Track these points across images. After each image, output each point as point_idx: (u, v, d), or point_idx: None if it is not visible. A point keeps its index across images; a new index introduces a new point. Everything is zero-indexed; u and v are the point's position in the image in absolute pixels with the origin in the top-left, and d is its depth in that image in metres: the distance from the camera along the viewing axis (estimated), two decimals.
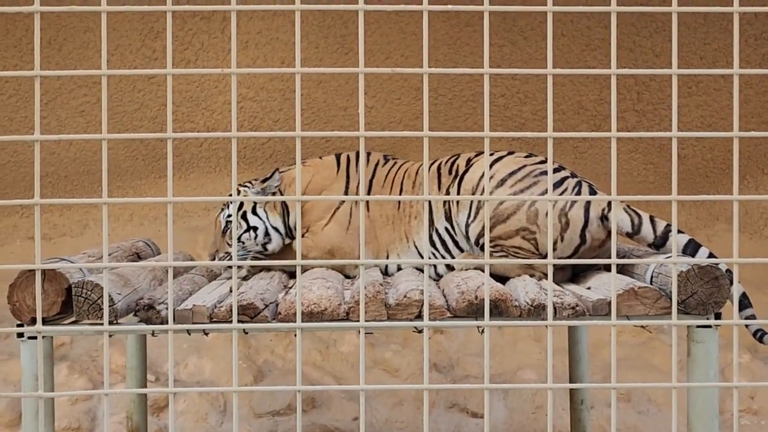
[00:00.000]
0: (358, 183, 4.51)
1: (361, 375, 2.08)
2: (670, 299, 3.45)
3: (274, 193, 4.48)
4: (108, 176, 6.86)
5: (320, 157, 4.66)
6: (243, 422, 5.65)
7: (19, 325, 3.40)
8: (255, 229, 4.46)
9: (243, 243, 4.44)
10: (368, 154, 4.61)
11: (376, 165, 4.54)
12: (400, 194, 4.39)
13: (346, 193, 4.48)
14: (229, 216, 4.44)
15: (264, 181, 4.49)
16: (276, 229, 4.50)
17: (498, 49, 7.19)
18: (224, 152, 7.27)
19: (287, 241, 4.56)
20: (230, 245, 4.42)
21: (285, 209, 4.51)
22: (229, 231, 4.44)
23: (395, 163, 4.55)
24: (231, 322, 3.33)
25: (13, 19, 7.08)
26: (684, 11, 2.00)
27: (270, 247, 4.49)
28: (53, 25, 7.10)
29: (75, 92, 7.17)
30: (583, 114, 7.26)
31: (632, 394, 5.81)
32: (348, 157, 4.61)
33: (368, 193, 4.47)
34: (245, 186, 4.54)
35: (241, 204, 4.46)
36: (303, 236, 4.44)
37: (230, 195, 4.61)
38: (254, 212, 4.47)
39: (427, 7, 2.06)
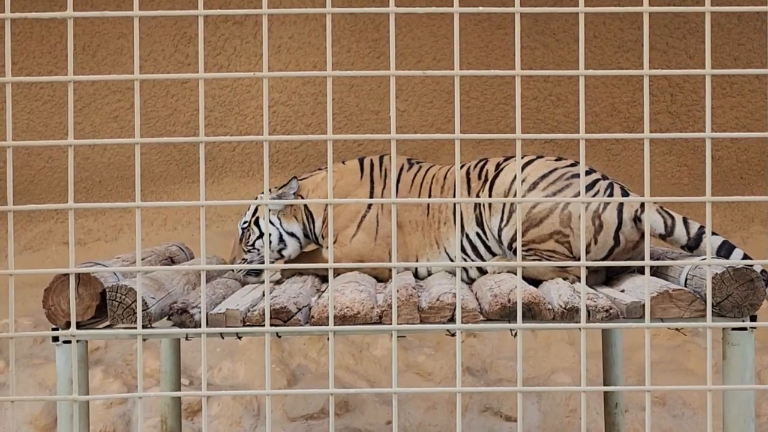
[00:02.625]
0: (383, 188, 4.50)
1: (393, 378, 2.08)
2: (705, 301, 3.43)
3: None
4: (142, 181, 6.92)
5: (343, 162, 4.63)
6: (277, 426, 5.66)
7: (54, 329, 3.43)
8: (268, 235, 4.47)
9: (258, 250, 4.45)
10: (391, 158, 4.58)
11: (401, 170, 4.51)
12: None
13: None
14: (245, 223, 4.49)
15: (280, 188, 4.50)
16: (292, 235, 4.51)
17: (530, 51, 7.17)
18: (257, 156, 7.29)
19: (309, 247, 4.57)
20: (246, 252, 4.45)
21: (308, 216, 4.52)
22: (245, 238, 4.47)
23: (420, 167, 4.52)
24: (264, 325, 3.33)
25: (47, 25, 7.13)
26: (717, 11, 1.99)
27: (285, 252, 4.51)
28: (87, 32, 7.15)
29: (109, 98, 7.22)
30: (617, 116, 7.22)
31: (667, 397, 5.78)
32: (371, 162, 4.57)
33: None
34: (263, 194, 4.56)
35: (256, 210, 4.49)
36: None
37: (258, 196, 4.63)
38: (268, 219, 4.48)
39: (458, 9, 2.06)
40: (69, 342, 3.41)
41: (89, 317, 3.42)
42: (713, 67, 7.29)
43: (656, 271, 3.91)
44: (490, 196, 4.20)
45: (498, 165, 4.29)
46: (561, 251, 4.01)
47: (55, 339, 3.44)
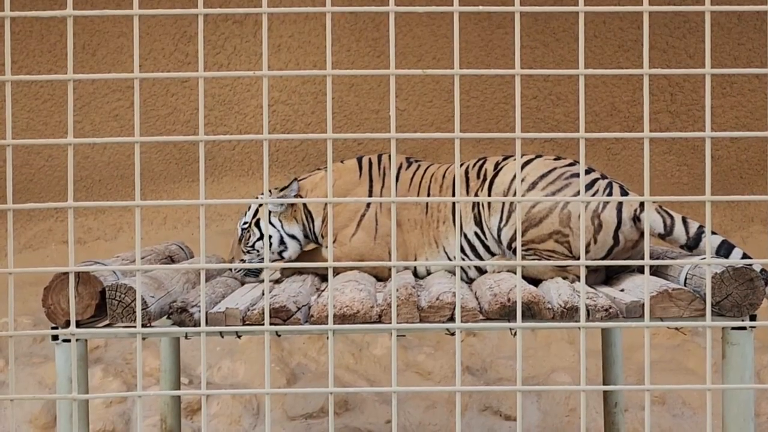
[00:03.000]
0: (382, 186, 4.50)
1: (393, 377, 2.08)
2: (705, 301, 3.43)
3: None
4: (141, 180, 6.92)
5: (342, 161, 4.63)
6: (276, 425, 5.66)
7: (53, 328, 3.43)
8: (269, 237, 4.46)
9: (258, 251, 4.45)
10: (390, 157, 4.58)
11: (399, 168, 4.51)
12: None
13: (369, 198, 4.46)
14: (245, 224, 4.48)
15: (281, 190, 4.50)
16: (293, 237, 4.50)
17: (530, 50, 7.17)
18: (257, 155, 7.29)
19: (308, 246, 4.57)
20: (245, 252, 4.45)
21: (308, 216, 4.51)
22: (244, 239, 4.46)
23: (419, 166, 4.52)
24: (264, 324, 3.34)
25: (47, 24, 7.13)
26: (717, 10, 1.99)
27: (286, 254, 4.50)
28: (87, 30, 7.15)
29: (109, 96, 7.22)
30: (617, 116, 7.22)
31: (667, 396, 5.78)
32: (370, 161, 4.56)
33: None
34: (263, 195, 4.56)
35: (257, 212, 4.48)
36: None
37: (258, 197, 4.63)
38: (268, 220, 4.48)
39: (458, 8, 2.06)
40: (68, 341, 3.41)
41: (89, 316, 3.42)
42: (713, 66, 7.29)
43: (656, 271, 3.91)
44: (489, 195, 4.20)
45: (497, 164, 4.29)
46: (561, 251, 4.00)
47: (55, 338, 3.44)
